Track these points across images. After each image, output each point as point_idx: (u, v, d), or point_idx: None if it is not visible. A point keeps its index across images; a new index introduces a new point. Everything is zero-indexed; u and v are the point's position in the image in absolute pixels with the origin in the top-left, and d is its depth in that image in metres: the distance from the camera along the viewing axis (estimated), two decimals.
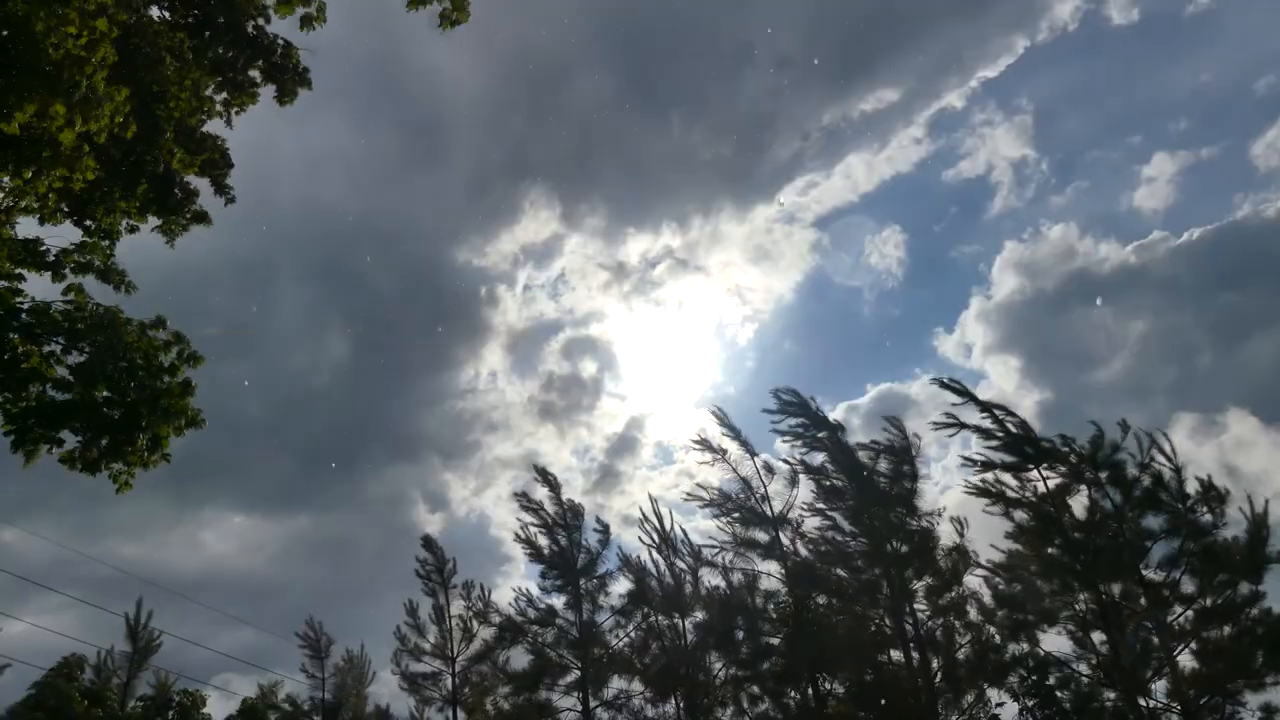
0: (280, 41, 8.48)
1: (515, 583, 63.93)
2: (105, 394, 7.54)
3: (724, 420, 20.78)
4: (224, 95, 9.00)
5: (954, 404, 18.60)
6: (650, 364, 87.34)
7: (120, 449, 7.55)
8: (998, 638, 18.39)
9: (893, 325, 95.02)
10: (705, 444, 20.73)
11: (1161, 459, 17.54)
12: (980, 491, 18.18)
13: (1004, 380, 70.12)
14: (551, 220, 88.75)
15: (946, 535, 19.19)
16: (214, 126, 9.34)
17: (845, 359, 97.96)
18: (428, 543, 25.15)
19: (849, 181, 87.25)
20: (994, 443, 18.15)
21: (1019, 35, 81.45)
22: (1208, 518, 17.03)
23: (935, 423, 18.99)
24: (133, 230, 9.06)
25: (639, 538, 22.00)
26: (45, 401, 7.37)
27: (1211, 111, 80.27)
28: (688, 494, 21.01)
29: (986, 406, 18.31)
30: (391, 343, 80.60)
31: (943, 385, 18.86)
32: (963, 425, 18.55)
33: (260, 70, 8.58)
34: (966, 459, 18.56)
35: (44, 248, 7.88)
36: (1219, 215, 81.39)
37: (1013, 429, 18.18)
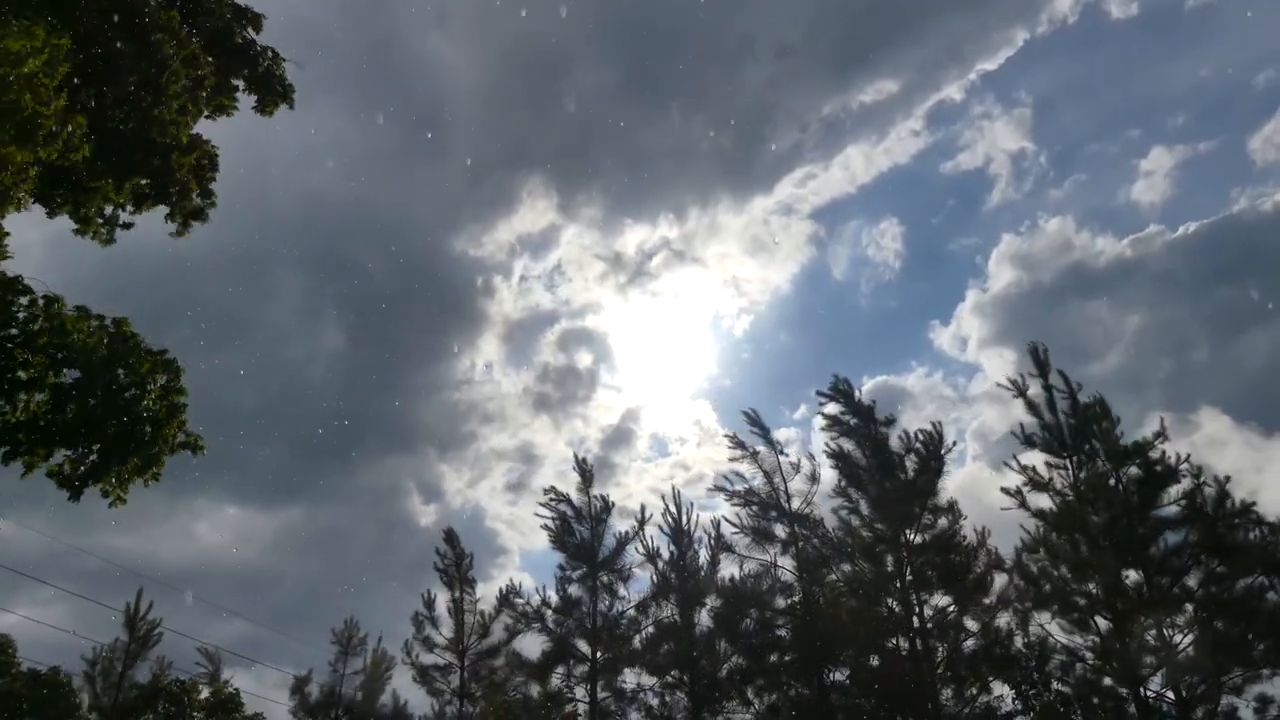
0: (269, 53, 8.13)
1: (510, 574, 64.21)
2: (98, 410, 7.37)
3: (755, 420, 21.73)
4: (204, 96, 8.79)
5: (1030, 373, 19.01)
6: (646, 356, 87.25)
7: (112, 468, 7.43)
8: (1012, 625, 18.57)
9: (889, 317, 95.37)
10: (739, 443, 21.62)
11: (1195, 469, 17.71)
12: (1024, 474, 18.52)
13: (999, 373, 70.28)
14: (548, 210, 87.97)
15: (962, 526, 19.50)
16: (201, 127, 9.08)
17: (841, 351, 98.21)
18: (449, 537, 25.78)
19: (847, 173, 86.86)
20: (1039, 421, 18.68)
21: (1019, 28, 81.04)
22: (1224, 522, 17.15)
23: (999, 384, 19.81)
24: (127, 227, 9.01)
25: (660, 527, 22.78)
26: (41, 415, 7.19)
27: (1210, 106, 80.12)
28: (715, 487, 21.89)
29: (1048, 385, 18.83)
30: (387, 333, 79.81)
31: (1033, 353, 19.39)
32: (1023, 393, 19.03)
33: (244, 79, 8.25)
34: (1018, 433, 19.05)
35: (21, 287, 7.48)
36: (1216, 209, 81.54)
37: (1063, 414, 18.62)
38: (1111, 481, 17.96)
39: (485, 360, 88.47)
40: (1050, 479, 18.31)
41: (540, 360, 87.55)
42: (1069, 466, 18.41)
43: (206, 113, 8.60)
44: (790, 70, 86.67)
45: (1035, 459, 18.60)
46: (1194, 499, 17.29)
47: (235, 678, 29.16)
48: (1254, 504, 17.27)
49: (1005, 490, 18.66)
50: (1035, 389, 19.00)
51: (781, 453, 21.39)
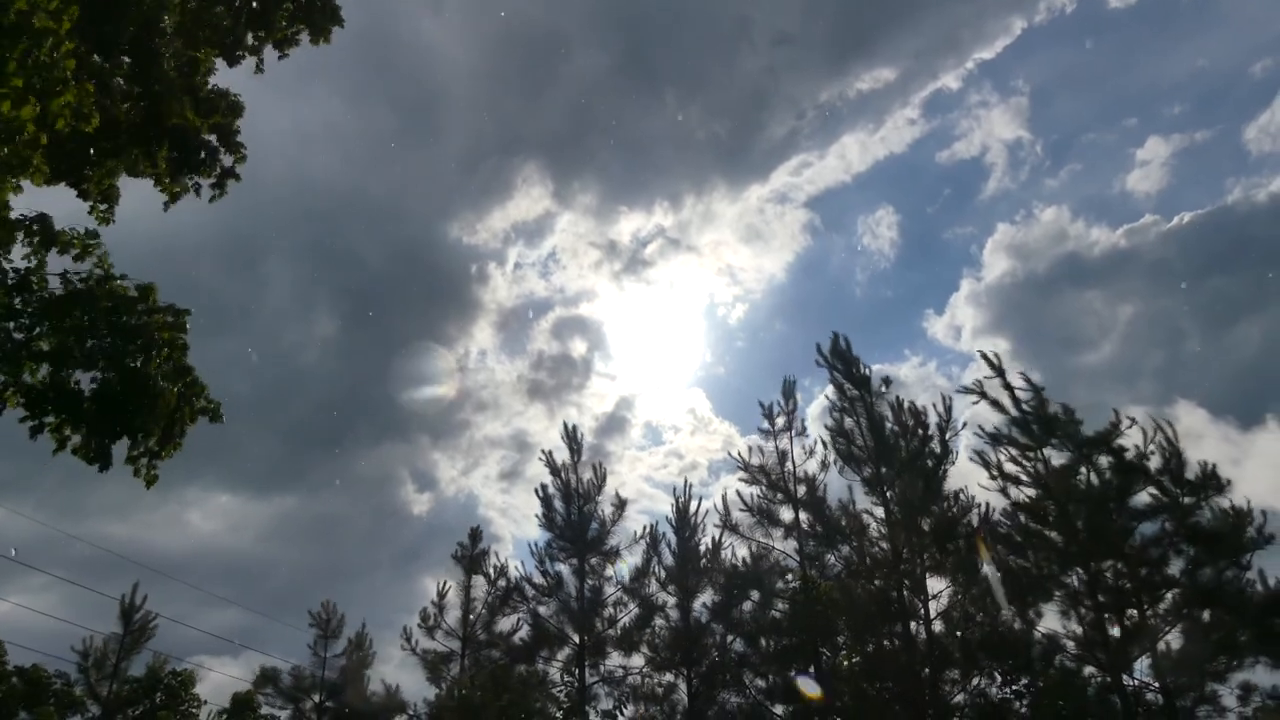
0: None
1: (503, 561, 63.85)
2: (109, 379, 7.05)
3: (789, 391, 22.12)
4: (260, 35, 8.34)
5: (987, 376, 19.10)
6: (640, 344, 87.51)
7: (136, 439, 7.17)
8: (1011, 615, 18.60)
9: (884, 306, 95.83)
10: (769, 417, 21.87)
11: (1163, 441, 17.77)
12: (991, 467, 18.62)
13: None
14: (543, 197, 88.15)
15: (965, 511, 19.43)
16: (232, 77, 8.82)
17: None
18: (474, 535, 26.15)
19: (843, 162, 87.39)
20: (1007, 418, 18.67)
21: (1017, 16, 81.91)
22: (1192, 500, 17.17)
23: (962, 388, 19.87)
24: (173, 199, 8.57)
25: (667, 519, 22.84)
26: (65, 385, 6.94)
27: (1206, 95, 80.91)
28: (729, 454, 21.96)
29: (1008, 385, 18.87)
30: (381, 319, 79.93)
31: (984, 356, 19.44)
32: (984, 395, 19.04)
33: (290, 5, 7.97)
34: (980, 431, 19.00)
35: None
36: (1211, 199, 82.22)
37: (1028, 409, 18.65)
38: (1083, 469, 17.94)
39: (479, 347, 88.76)
40: (1020, 473, 18.30)
41: (534, 348, 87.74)
42: (1041, 459, 18.39)
43: (279, 53, 8.20)
44: (787, 57, 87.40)
45: (1010, 452, 18.41)
46: (1161, 482, 17.32)
47: (226, 665, 29.06)
48: (1213, 466, 17.37)
49: (983, 486, 18.61)
50: (1015, 385, 18.74)
51: (801, 434, 21.46)
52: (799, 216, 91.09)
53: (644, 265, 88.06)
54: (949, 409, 19.91)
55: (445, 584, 25.26)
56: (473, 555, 25.53)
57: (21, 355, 7.08)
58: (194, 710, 28.08)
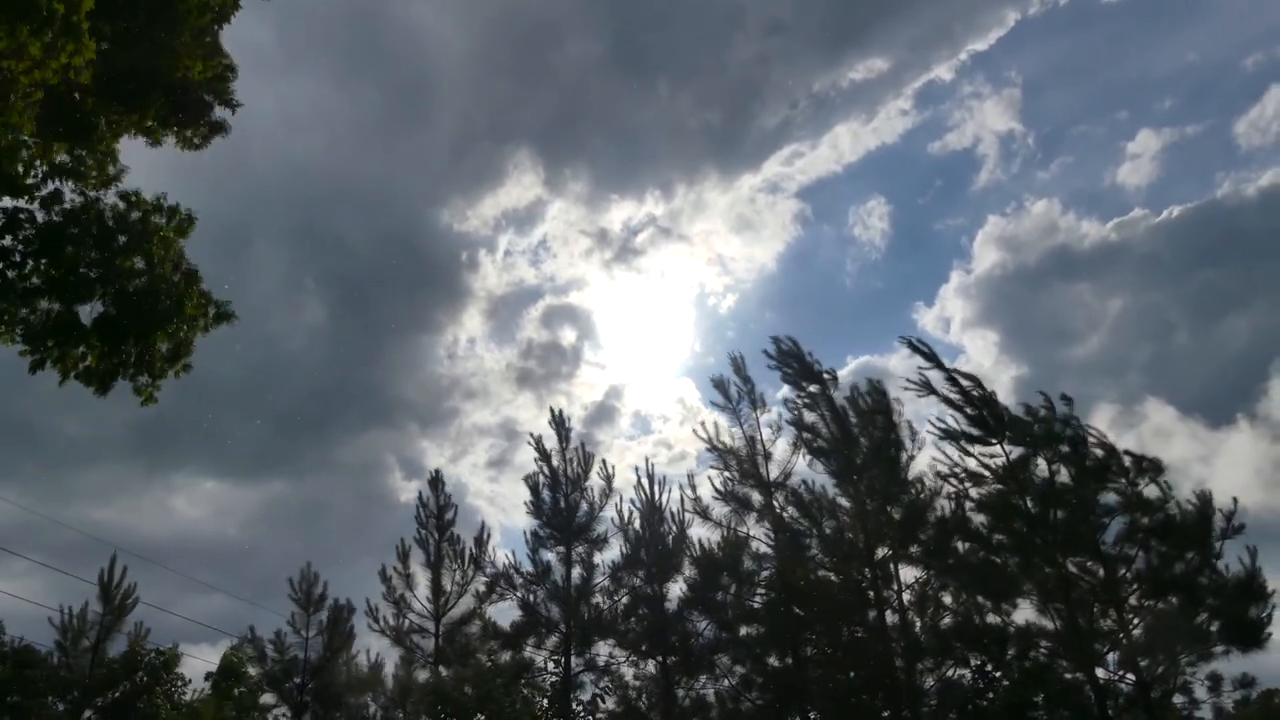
0: None
1: (491, 550, 63.58)
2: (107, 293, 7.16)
3: (739, 369, 21.50)
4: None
5: (922, 367, 18.32)
6: (630, 333, 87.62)
7: (141, 358, 7.27)
8: (985, 604, 18.54)
9: (874, 297, 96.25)
10: (724, 391, 21.36)
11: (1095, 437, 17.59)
12: (948, 465, 18.15)
13: (982, 355, 71.04)
14: (534, 185, 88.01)
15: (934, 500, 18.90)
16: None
17: (826, 331, 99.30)
18: (435, 482, 23.75)
19: (835, 152, 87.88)
20: (958, 412, 17.89)
21: (1010, 7, 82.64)
22: (1152, 490, 16.98)
23: (908, 383, 19.18)
24: (155, 144, 8.64)
25: (631, 501, 22.41)
26: (63, 317, 7.06)
27: (1197, 89, 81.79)
28: (695, 430, 21.44)
29: (951, 375, 18.11)
30: (370, 307, 79.86)
31: (911, 346, 18.49)
32: (932, 390, 18.29)
33: None
34: (933, 426, 18.28)
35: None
36: (1201, 193, 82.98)
37: (977, 398, 17.92)
38: (1042, 464, 17.46)
39: (469, 335, 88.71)
40: (967, 466, 17.71)
41: (524, 336, 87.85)
42: (1002, 453, 17.78)
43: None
44: (780, 46, 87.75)
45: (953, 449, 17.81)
46: (1125, 479, 17.02)
47: (206, 653, 28.50)
48: (1118, 446, 17.25)
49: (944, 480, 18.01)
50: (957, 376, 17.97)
51: (763, 407, 21.14)
52: (790, 206, 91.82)
53: (635, 254, 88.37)
54: (884, 394, 19.60)
55: (406, 544, 22.81)
56: (439, 513, 22.97)
57: (17, 291, 7.21)
58: (178, 691, 27.64)
